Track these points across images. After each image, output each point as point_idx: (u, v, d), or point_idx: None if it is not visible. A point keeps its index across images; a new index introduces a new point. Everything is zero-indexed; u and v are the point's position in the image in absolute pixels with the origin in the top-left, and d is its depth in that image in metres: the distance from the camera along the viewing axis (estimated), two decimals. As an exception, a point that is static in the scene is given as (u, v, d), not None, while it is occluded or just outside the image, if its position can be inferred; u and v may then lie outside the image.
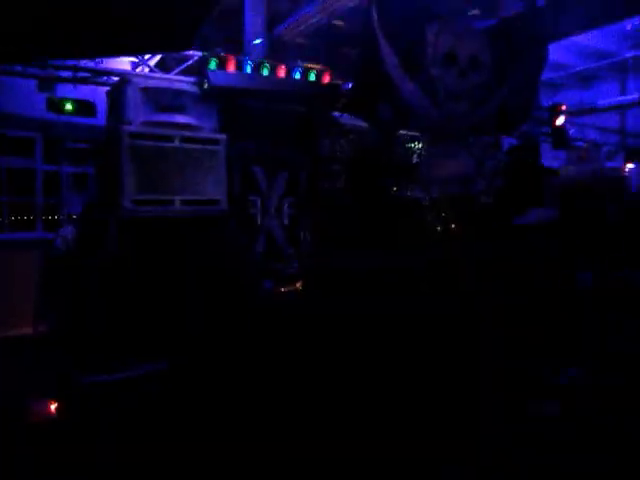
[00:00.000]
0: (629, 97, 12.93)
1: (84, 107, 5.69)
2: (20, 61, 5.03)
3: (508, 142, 10.27)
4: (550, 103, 11.16)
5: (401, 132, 7.66)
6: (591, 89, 14.90)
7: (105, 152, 6.02)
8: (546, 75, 15.06)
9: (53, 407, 5.32)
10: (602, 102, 13.22)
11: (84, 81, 5.67)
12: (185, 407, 5.04)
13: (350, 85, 7.15)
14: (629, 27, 10.99)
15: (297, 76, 6.37)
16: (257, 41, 6.44)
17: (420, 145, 7.82)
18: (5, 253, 8.17)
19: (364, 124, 7.39)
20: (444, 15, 7.29)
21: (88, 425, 4.87)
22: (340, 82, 7.01)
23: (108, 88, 6.04)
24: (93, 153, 6.73)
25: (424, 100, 7.04)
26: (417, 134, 7.75)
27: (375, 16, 6.81)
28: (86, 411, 5.08)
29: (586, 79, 14.97)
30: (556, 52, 13.90)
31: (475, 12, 8.07)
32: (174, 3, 4.54)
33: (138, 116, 5.68)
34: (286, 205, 6.83)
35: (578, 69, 14.33)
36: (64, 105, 5.49)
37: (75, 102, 5.61)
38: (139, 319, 5.55)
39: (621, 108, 13.09)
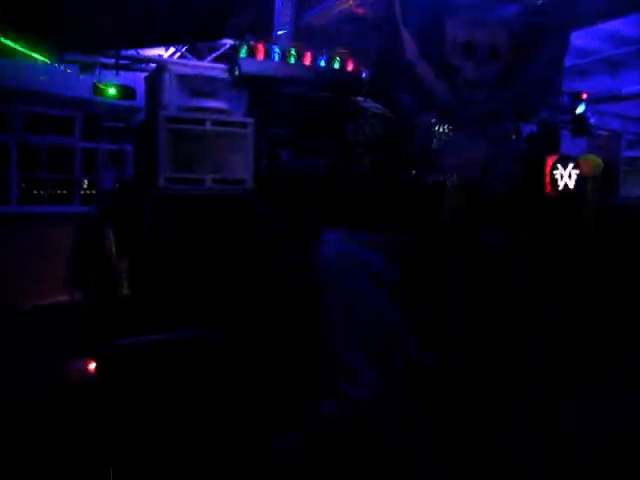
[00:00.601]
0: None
1: (125, 91, 6.18)
2: (79, 51, 5.58)
3: (528, 129, 10.47)
4: (576, 90, 11.27)
5: (422, 118, 7.99)
6: (619, 76, 14.83)
7: (143, 134, 6.50)
8: (572, 61, 15.05)
9: (92, 366, 5.87)
10: (626, 90, 13.24)
11: (125, 68, 6.15)
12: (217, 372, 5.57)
13: (372, 72, 7.50)
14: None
15: (322, 64, 6.74)
16: (281, 32, 6.84)
17: (440, 130, 8.13)
18: (45, 225, 8.74)
19: (386, 110, 7.75)
20: (464, 6, 7.55)
21: (122, 383, 5.43)
22: (364, 69, 7.36)
23: (146, 74, 6.51)
24: (132, 134, 7.24)
25: (443, 88, 7.37)
26: (437, 120, 8.06)
27: (397, 7, 7.14)
28: (121, 370, 5.63)
29: (614, 66, 14.91)
30: (582, 38, 13.89)
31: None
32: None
33: (173, 101, 6.14)
34: (309, 185, 7.25)
35: (605, 55, 14.29)
36: (108, 90, 6.00)
37: (117, 87, 6.11)
38: (173, 288, 6.07)
39: (646, 96, 13.10)
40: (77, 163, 9.73)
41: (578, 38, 13.68)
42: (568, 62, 14.69)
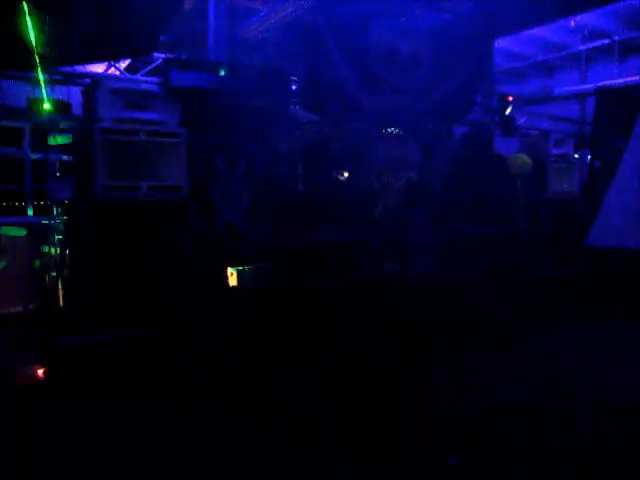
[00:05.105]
0: (582, 87, 13.72)
1: (60, 106, 6.48)
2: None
3: (461, 130, 11.07)
4: (504, 92, 11.93)
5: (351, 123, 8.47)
6: (553, 78, 15.69)
7: (80, 145, 6.83)
8: (510, 64, 15.88)
9: (40, 372, 6.17)
10: (558, 91, 14.02)
11: (60, 82, 6.46)
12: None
13: (303, 81, 7.94)
14: (572, 23, 11.77)
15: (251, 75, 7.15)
16: (212, 45, 7.26)
17: (368, 135, 8.62)
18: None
19: (317, 117, 8.21)
20: (387, 15, 8.04)
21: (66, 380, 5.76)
22: (293, 79, 7.81)
23: (82, 88, 6.85)
24: (71, 145, 7.50)
25: (368, 94, 7.84)
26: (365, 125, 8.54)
27: (323, 18, 7.61)
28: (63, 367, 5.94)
29: (548, 69, 15.78)
30: (517, 44, 14.70)
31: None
32: (134, 19, 5.40)
33: (108, 113, 6.49)
34: (244, 191, 7.65)
35: (539, 59, 15.14)
36: (42, 104, 6.28)
37: (52, 101, 6.40)
38: (111, 291, 6.40)
39: (576, 97, 13.88)
40: (27, 174, 9.89)
41: (511, 44, 14.52)
42: (506, 65, 15.56)
